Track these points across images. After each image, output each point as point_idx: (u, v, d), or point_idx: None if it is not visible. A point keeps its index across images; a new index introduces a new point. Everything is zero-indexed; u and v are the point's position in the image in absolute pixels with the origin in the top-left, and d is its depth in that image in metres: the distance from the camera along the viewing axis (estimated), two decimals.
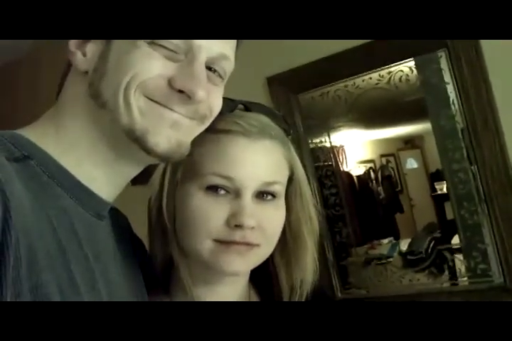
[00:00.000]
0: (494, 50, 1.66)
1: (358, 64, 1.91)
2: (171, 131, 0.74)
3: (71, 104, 0.77)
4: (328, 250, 2.03)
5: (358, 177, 2.11)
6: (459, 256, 1.82)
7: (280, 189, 0.91)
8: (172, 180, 0.90)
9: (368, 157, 2.13)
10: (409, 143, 2.06)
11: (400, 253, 1.99)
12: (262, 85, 2.13)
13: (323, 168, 2.07)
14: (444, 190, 1.86)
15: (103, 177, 0.77)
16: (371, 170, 2.09)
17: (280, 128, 0.94)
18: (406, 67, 1.85)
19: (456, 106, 1.75)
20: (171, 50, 0.73)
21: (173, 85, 0.73)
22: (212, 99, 0.78)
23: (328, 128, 2.06)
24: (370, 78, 1.93)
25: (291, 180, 0.95)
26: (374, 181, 2.09)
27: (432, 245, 1.90)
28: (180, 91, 0.73)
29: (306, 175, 0.98)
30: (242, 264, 0.88)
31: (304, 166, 0.99)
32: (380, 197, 2.08)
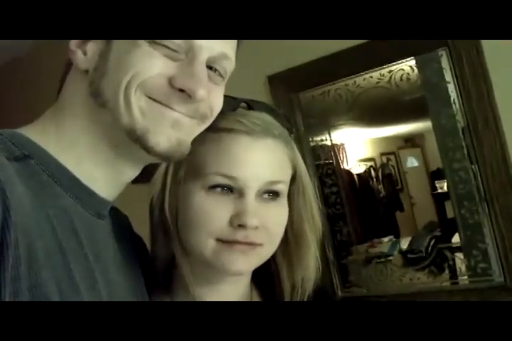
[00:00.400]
0: (495, 49, 1.65)
1: (359, 63, 1.91)
2: (172, 131, 0.74)
3: (71, 103, 0.76)
4: (328, 249, 2.03)
5: (358, 175, 2.11)
6: (460, 255, 1.82)
7: (283, 188, 0.91)
8: (174, 179, 0.90)
9: (369, 155, 2.13)
10: (410, 141, 2.06)
11: (401, 251, 1.99)
12: (263, 84, 2.13)
13: (324, 166, 2.07)
14: (445, 188, 1.85)
15: (103, 176, 0.77)
16: (372, 169, 2.09)
17: (283, 126, 0.94)
18: (407, 66, 1.85)
19: (457, 105, 1.75)
20: (172, 49, 0.73)
21: (174, 84, 0.73)
22: (212, 98, 0.78)
23: (328, 127, 2.06)
24: (371, 77, 1.93)
25: (293, 179, 0.95)
26: (374, 179, 2.09)
27: (432, 244, 1.90)
28: (181, 91, 0.73)
29: (308, 173, 0.98)
30: (245, 264, 0.87)
31: (305, 165, 0.99)
32: (381, 195, 2.08)
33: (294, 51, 1.99)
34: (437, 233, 1.91)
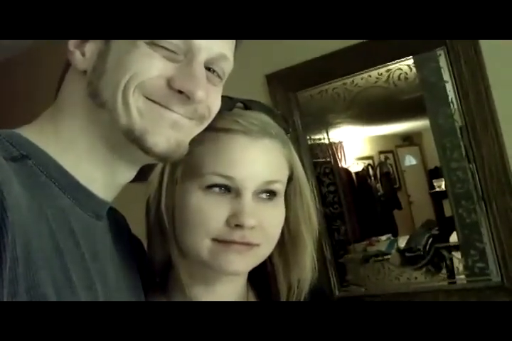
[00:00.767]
0: (493, 48, 1.66)
1: (357, 62, 1.91)
2: (171, 131, 0.74)
3: (70, 104, 0.76)
4: (326, 248, 2.03)
5: (356, 173, 2.11)
6: (457, 255, 1.83)
7: (280, 188, 0.91)
8: (171, 178, 0.90)
9: (367, 153, 2.13)
10: (408, 140, 2.06)
11: (398, 250, 1.99)
12: (261, 83, 2.13)
13: (322, 165, 2.08)
14: (443, 187, 1.86)
15: (101, 177, 0.77)
16: (370, 167, 2.10)
17: (280, 126, 0.94)
18: (405, 66, 1.85)
19: (455, 104, 1.75)
20: (171, 51, 0.73)
21: (173, 85, 0.73)
22: (211, 99, 0.78)
23: (326, 125, 2.07)
24: (369, 76, 1.93)
25: (290, 179, 0.94)
26: (372, 178, 2.09)
27: (430, 242, 1.90)
28: (180, 92, 0.73)
29: (305, 172, 0.98)
30: (242, 264, 0.87)
31: (303, 163, 0.99)
32: (379, 193, 2.09)
33: (292, 50, 1.99)
34: (435, 231, 1.91)
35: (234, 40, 0.82)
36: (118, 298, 0.79)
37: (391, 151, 2.10)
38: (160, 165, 0.90)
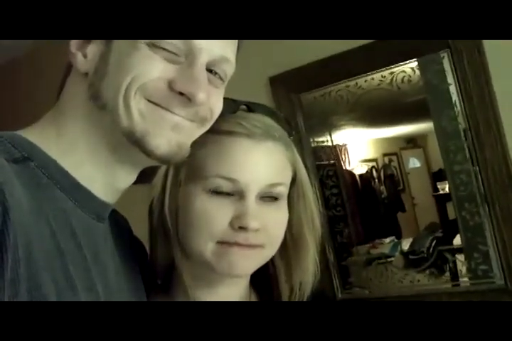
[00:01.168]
0: (497, 51, 1.65)
1: (360, 64, 1.91)
2: (172, 134, 0.74)
3: (71, 105, 0.76)
4: (329, 250, 2.03)
5: (360, 176, 2.11)
6: (460, 257, 1.82)
7: (283, 191, 0.91)
8: (175, 181, 0.90)
9: (371, 156, 2.13)
10: (412, 142, 2.06)
11: (402, 252, 1.99)
12: (264, 85, 2.13)
13: (325, 167, 2.07)
14: (447, 189, 1.85)
15: (103, 179, 0.77)
16: (374, 169, 2.09)
17: (283, 129, 0.94)
18: (408, 68, 1.85)
19: (459, 107, 1.74)
20: (172, 52, 0.73)
21: (174, 87, 0.73)
22: (212, 101, 0.78)
23: (330, 128, 2.06)
24: (372, 79, 1.92)
25: (293, 181, 0.94)
26: (376, 180, 2.09)
27: (433, 245, 1.89)
28: (181, 94, 0.73)
29: (308, 175, 0.98)
30: (246, 266, 0.88)
31: (306, 166, 0.99)
32: (383, 196, 2.08)
33: (296, 52, 1.99)
34: (439, 234, 1.90)
35: (236, 42, 0.82)
36: (119, 299, 0.79)
37: (395, 154, 2.10)
38: (163, 168, 0.90)
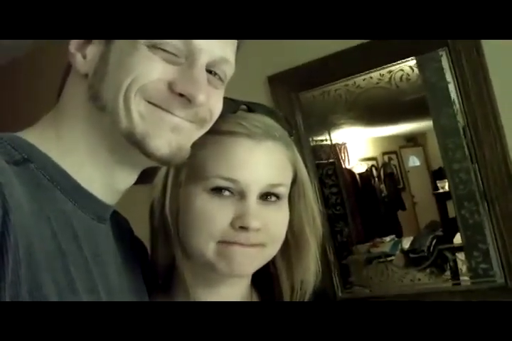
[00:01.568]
0: (495, 49, 1.65)
1: (359, 63, 1.90)
2: (172, 135, 0.74)
3: (71, 106, 0.76)
4: (329, 249, 2.03)
5: (360, 174, 2.10)
6: (461, 256, 1.82)
7: (284, 191, 0.91)
8: (175, 182, 0.90)
9: (370, 154, 2.13)
10: (412, 140, 2.06)
11: (402, 251, 1.99)
12: (263, 84, 2.13)
13: (325, 166, 2.07)
14: (446, 188, 1.85)
15: (103, 180, 0.77)
16: (373, 168, 2.09)
17: (283, 129, 0.94)
18: (406, 67, 1.85)
19: (457, 105, 1.74)
20: (172, 54, 0.73)
21: (174, 89, 0.73)
22: (212, 102, 0.78)
23: (329, 126, 2.06)
24: (371, 77, 1.92)
25: (294, 181, 0.95)
26: (376, 179, 2.09)
27: (433, 243, 1.89)
28: (181, 95, 0.73)
29: (308, 174, 0.98)
30: (247, 265, 0.88)
31: (305, 165, 0.99)
32: (382, 194, 2.08)
33: (294, 51, 1.98)
34: (439, 232, 1.90)
35: (235, 43, 0.82)
36: (121, 299, 0.79)
37: (395, 152, 2.09)
38: (164, 169, 0.91)
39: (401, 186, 2.07)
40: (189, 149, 0.79)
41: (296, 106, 2.07)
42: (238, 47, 0.83)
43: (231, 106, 0.90)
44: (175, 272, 0.95)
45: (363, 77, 1.94)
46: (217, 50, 0.77)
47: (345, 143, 2.07)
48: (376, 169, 2.09)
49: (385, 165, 2.08)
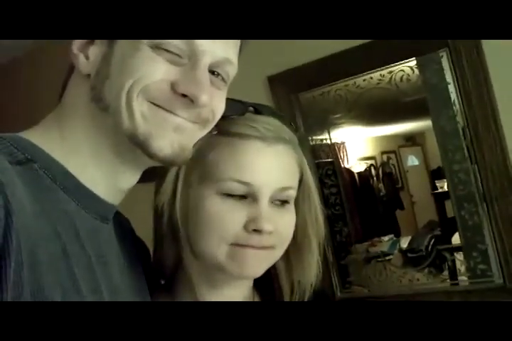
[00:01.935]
0: (495, 50, 1.65)
1: (359, 63, 1.90)
2: (174, 135, 0.74)
3: (73, 107, 0.76)
4: (328, 249, 2.03)
5: (358, 174, 2.10)
6: (459, 256, 1.82)
7: (293, 194, 0.92)
8: (186, 184, 0.89)
9: (369, 154, 2.12)
10: (411, 140, 2.06)
11: (401, 250, 1.99)
12: (263, 84, 2.12)
13: (324, 166, 2.07)
14: (445, 188, 1.85)
15: (106, 180, 0.77)
16: (372, 167, 2.09)
17: (292, 131, 0.94)
18: (407, 67, 1.85)
19: (457, 106, 1.74)
20: (175, 54, 0.73)
21: (177, 89, 0.73)
22: (215, 103, 0.78)
23: (328, 126, 2.06)
24: (371, 78, 1.92)
25: (300, 183, 0.95)
26: (375, 178, 2.09)
27: (432, 243, 1.90)
28: (184, 96, 0.73)
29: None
30: (257, 267, 0.88)
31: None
32: (381, 194, 2.08)
33: (294, 52, 1.98)
34: (437, 232, 1.90)
35: (238, 44, 0.82)
36: (124, 299, 0.79)
37: (393, 151, 2.09)
38: (174, 171, 0.90)
39: (399, 185, 2.07)
40: (191, 149, 0.79)
41: (296, 106, 2.07)
42: (241, 49, 0.83)
43: (240, 107, 0.90)
44: (179, 272, 0.95)
45: (363, 78, 1.94)
46: (220, 51, 0.77)
47: (344, 142, 2.07)
48: (375, 168, 2.09)
49: (383, 164, 2.08)
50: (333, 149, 2.07)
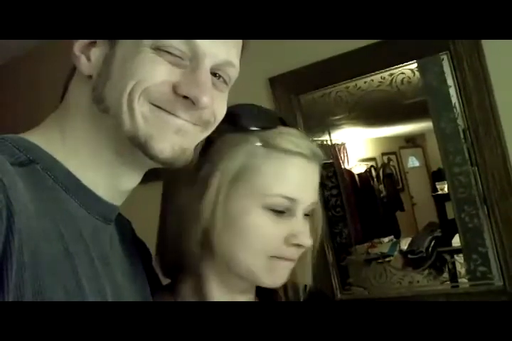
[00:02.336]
0: (496, 53, 1.65)
1: (360, 66, 1.90)
2: (175, 137, 0.74)
3: (75, 108, 0.76)
4: (328, 251, 2.03)
5: (359, 175, 2.11)
6: (459, 259, 1.82)
7: (316, 207, 0.94)
8: (227, 194, 0.88)
9: (370, 155, 2.13)
10: (411, 141, 2.06)
11: (401, 252, 1.99)
12: (264, 86, 2.13)
13: (325, 167, 2.07)
14: (445, 189, 1.85)
15: (108, 181, 0.77)
16: (372, 168, 2.09)
17: (317, 146, 0.95)
18: (408, 70, 1.85)
19: (458, 109, 1.74)
20: (176, 56, 0.73)
21: (178, 91, 0.72)
22: (216, 105, 0.78)
23: (329, 127, 2.06)
24: (372, 80, 1.92)
25: None
26: (375, 179, 2.09)
27: (432, 244, 1.90)
28: (185, 97, 0.73)
29: None
30: (285, 277, 0.90)
31: None
32: (381, 195, 2.08)
33: (295, 54, 1.98)
34: (438, 234, 1.91)
35: (240, 46, 0.82)
36: (126, 300, 0.79)
37: (394, 153, 2.10)
38: (214, 187, 0.87)
39: (400, 187, 2.07)
40: (192, 152, 0.79)
41: (297, 108, 2.07)
42: (243, 51, 0.83)
43: (273, 119, 0.92)
44: (181, 273, 0.95)
45: (364, 80, 1.94)
46: (222, 53, 0.76)
47: (344, 144, 2.07)
48: (375, 170, 2.09)
49: (384, 165, 2.08)
50: (334, 150, 2.07)
